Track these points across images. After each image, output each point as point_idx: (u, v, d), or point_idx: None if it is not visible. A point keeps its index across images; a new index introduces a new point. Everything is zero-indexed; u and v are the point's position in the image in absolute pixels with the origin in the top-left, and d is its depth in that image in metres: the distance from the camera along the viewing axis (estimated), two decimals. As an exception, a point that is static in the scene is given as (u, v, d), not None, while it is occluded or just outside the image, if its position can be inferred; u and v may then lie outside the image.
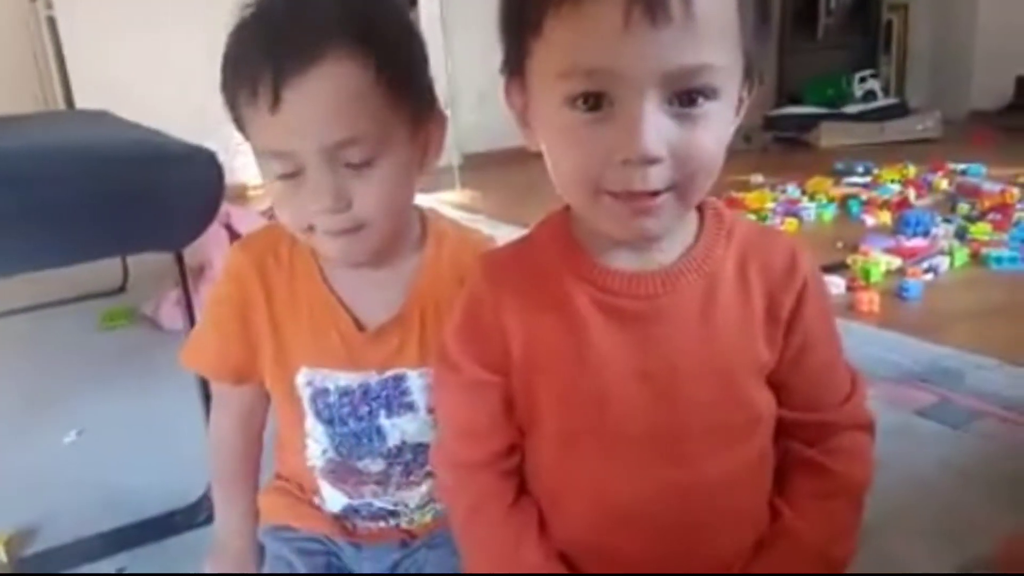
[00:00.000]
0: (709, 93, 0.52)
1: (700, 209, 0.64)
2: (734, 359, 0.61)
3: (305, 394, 0.79)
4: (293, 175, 0.68)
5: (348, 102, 0.66)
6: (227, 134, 0.75)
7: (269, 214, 2.28)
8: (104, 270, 2.27)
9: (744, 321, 0.61)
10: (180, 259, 1.06)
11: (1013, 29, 4.10)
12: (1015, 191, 2.47)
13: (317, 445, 0.81)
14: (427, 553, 0.84)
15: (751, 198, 2.78)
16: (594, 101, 0.52)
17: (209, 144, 1.07)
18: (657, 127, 0.51)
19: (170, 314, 1.98)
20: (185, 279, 1.07)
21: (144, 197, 0.94)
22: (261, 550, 0.87)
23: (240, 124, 0.71)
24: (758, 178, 3.23)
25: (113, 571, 1.06)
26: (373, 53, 0.67)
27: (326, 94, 0.65)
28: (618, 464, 0.62)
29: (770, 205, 2.73)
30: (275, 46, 0.64)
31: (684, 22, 0.48)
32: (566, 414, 0.63)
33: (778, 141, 4.18)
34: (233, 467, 0.88)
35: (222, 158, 1.04)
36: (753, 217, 2.57)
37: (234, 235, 2.05)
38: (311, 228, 0.70)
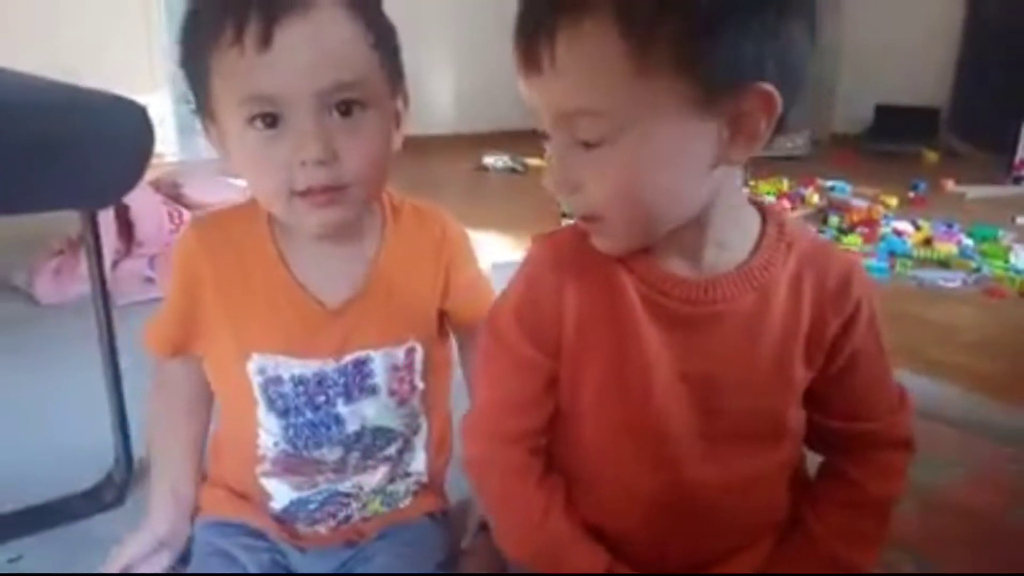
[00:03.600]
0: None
1: (763, 217, 0.64)
2: (772, 376, 0.63)
3: (256, 382, 0.76)
4: (272, 125, 0.65)
5: (342, 46, 0.66)
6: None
7: (158, 186, 2.15)
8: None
9: (787, 339, 0.62)
10: (94, 220, 0.97)
11: (874, 61, 4.47)
12: (880, 208, 2.70)
13: (269, 436, 0.78)
14: (376, 545, 0.82)
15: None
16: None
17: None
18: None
19: (46, 287, 1.81)
20: (98, 240, 0.98)
21: (65, 147, 0.86)
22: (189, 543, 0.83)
23: (202, 79, 0.67)
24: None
25: (6, 560, 0.96)
26: (360, 12, 0.67)
27: (322, 35, 0.64)
28: (652, 458, 0.64)
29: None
30: None
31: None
32: (607, 404, 0.64)
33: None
34: (179, 417, 0.84)
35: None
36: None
37: (122, 208, 1.91)
38: (293, 193, 0.67)
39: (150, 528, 0.83)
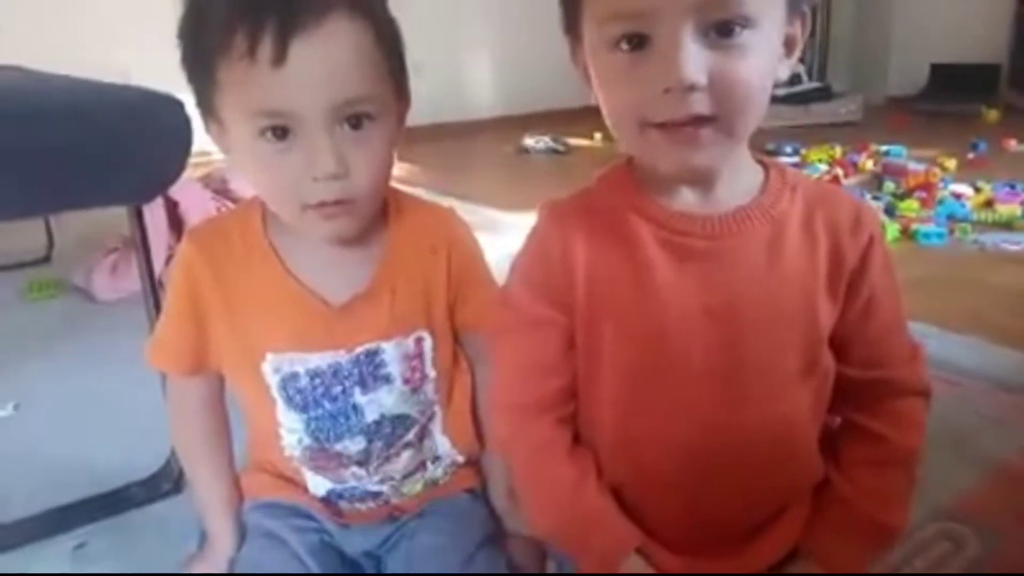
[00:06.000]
0: (744, 22, 0.53)
1: (764, 168, 0.65)
2: (795, 306, 0.62)
3: (273, 382, 0.76)
4: (282, 137, 0.65)
5: (355, 60, 0.65)
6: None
7: (207, 182, 2.20)
8: (27, 238, 2.14)
9: (808, 270, 0.62)
10: (140, 215, 0.99)
11: (927, 19, 4.31)
12: (937, 171, 2.60)
13: (292, 435, 0.79)
14: (418, 522, 0.83)
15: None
16: (637, 41, 0.55)
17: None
18: (695, 55, 0.53)
19: (103, 284, 1.87)
20: (144, 235, 1.00)
21: (108, 145, 0.87)
22: (243, 529, 0.83)
23: (208, 84, 0.66)
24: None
25: (72, 546, 1.00)
26: (370, 17, 0.66)
27: (336, 49, 0.64)
28: (679, 401, 0.63)
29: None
30: None
31: None
32: (628, 349, 0.63)
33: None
34: (203, 449, 0.84)
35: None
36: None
37: (172, 204, 1.96)
38: (305, 206, 0.67)
39: (219, 552, 0.82)
